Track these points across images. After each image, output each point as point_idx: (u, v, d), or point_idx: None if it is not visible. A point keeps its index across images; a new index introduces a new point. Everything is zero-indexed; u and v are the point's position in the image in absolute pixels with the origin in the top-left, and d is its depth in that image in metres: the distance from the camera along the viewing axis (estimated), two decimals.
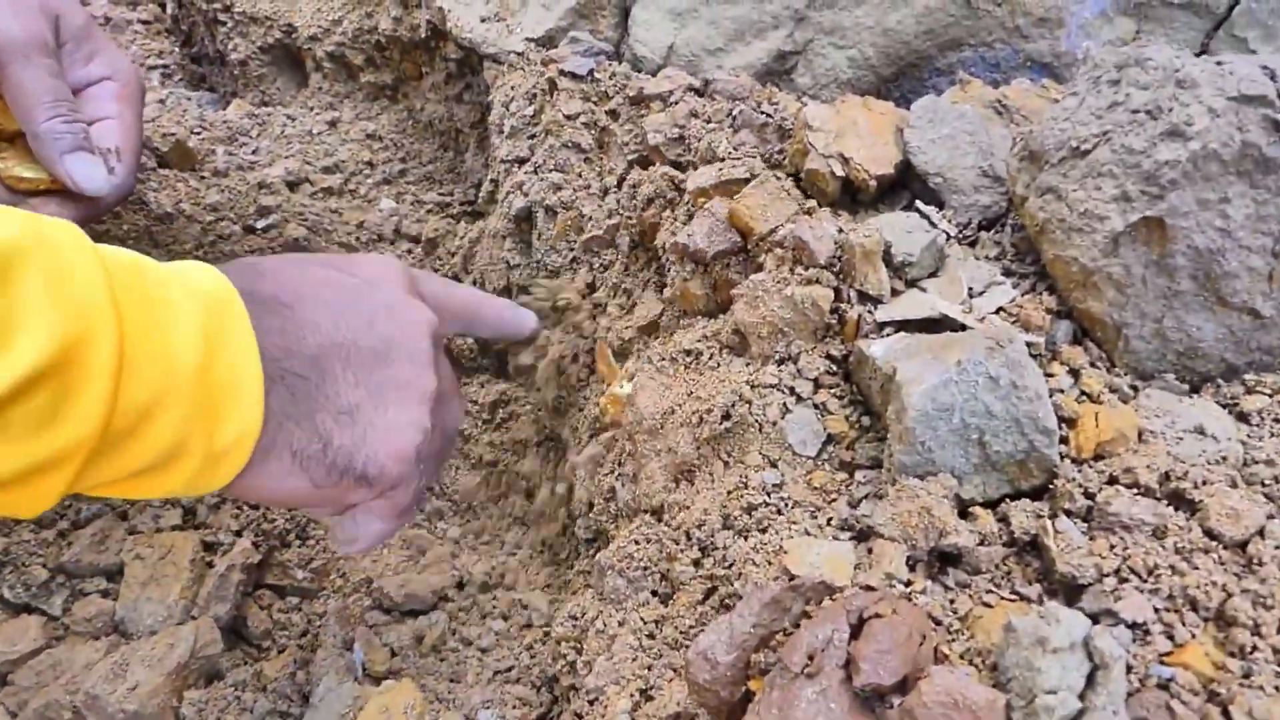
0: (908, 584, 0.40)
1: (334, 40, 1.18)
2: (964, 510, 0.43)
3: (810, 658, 0.34)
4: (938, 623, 0.38)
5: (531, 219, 0.80)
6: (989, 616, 0.38)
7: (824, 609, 0.37)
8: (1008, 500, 0.43)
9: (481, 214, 1.01)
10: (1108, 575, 0.37)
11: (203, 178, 1.05)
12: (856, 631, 0.35)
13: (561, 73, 0.79)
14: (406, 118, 1.18)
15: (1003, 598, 0.39)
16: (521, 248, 0.83)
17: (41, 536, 0.74)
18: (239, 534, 0.76)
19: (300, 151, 1.13)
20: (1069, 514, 0.41)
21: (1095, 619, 0.36)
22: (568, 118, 0.78)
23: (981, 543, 0.41)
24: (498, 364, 0.93)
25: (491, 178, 0.93)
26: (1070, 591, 0.38)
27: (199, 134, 1.11)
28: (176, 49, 1.43)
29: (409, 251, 1.00)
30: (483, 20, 0.93)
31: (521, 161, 0.84)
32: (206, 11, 1.28)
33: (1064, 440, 0.43)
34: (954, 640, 0.37)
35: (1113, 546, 0.38)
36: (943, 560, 0.41)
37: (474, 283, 0.92)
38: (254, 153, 1.12)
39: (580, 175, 0.78)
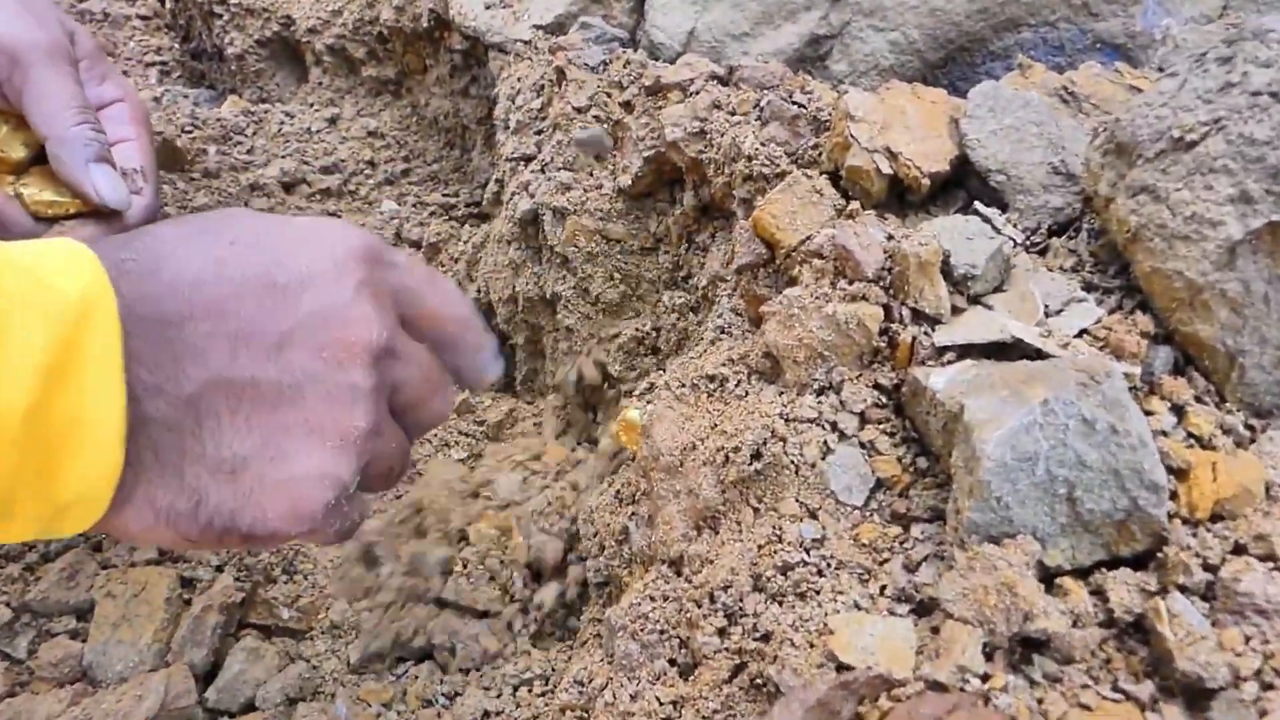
0: (985, 679, 0.32)
1: (334, 32, 1.11)
2: (1048, 580, 0.35)
3: None
4: None
5: (538, 222, 0.73)
6: None
7: (889, 715, 0.30)
8: (1102, 569, 0.35)
9: (487, 216, 0.94)
10: (1246, 679, 0.29)
11: (192, 179, 0.99)
12: None
13: (571, 62, 0.72)
14: (410, 114, 1.11)
15: (1104, 696, 0.31)
16: (529, 254, 0.76)
17: (6, 571, 0.68)
18: (220, 569, 0.69)
19: (298, 151, 1.07)
20: (1184, 590, 0.33)
21: None
22: (577, 110, 0.70)
23: (1075, 624, 0.33)
24: (505, 379, 0.86)
25: (497, 177, 0.86)
26: (1194, 695, 0.31)
27: (190, 133, 1.05)
28: (175, 45, 1.37)
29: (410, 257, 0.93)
30: (487, 7, 0.86)
31: (528, 159, 0.77)
32: (203, 4, 1.22)
33: (1172, 496, 0.35)
34: None
35: (1248, 638, 0.30)
36: (1023, 645, 0.34)
37: (478, 291, 0.85)
38: (248, 152, 1.06)
39: (591, 174, 0.70)
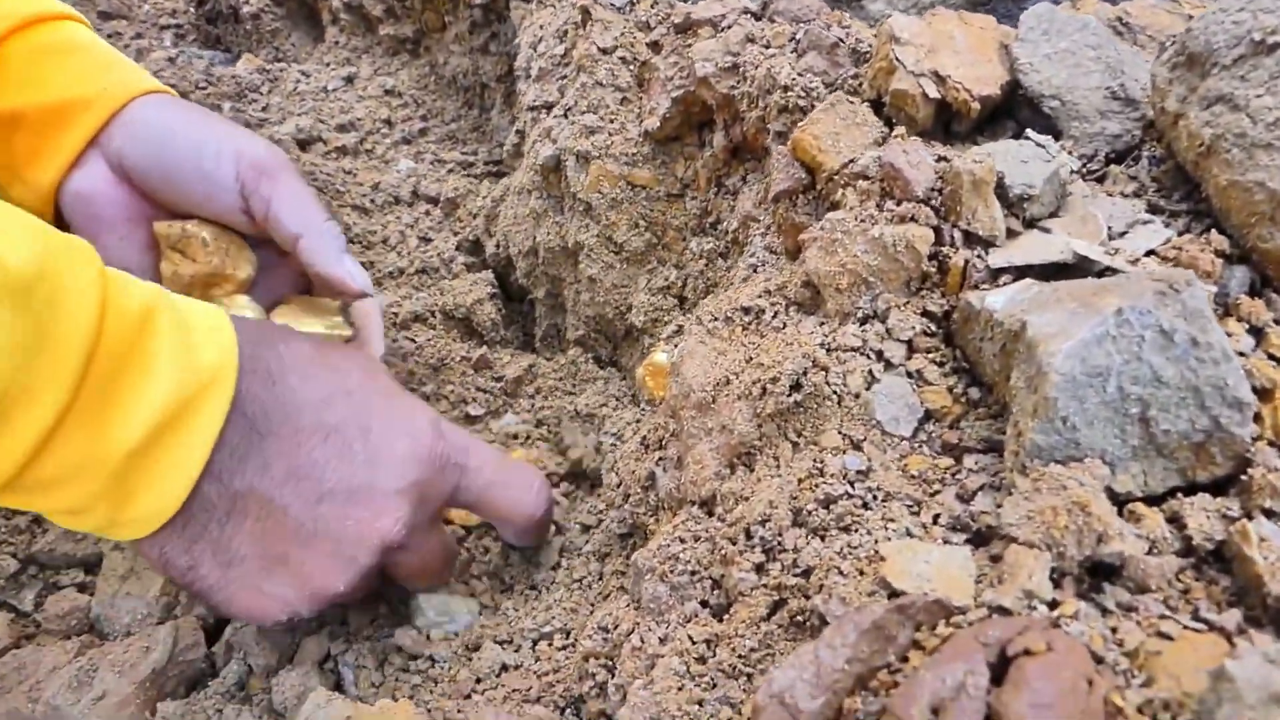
0: (1053, 605, 0.29)
1: None
2: (1118, 506, 0.32)
3: (935, 711, 0.24)
4: (1099, 660, 0.28)
5: (560, 169, 0.70)
6: (1170, 653, 0.28)
7: (948, 641, 0.27)
8: (1177, 495, 0.32)
9: (507, 173, 0.92)
10: None
11: None
12: (999, 675, 0.25)
13: (597, 2, 0.69)
14: (428, 73, 1.09)
15: (1185, 626, 0.29)
16: (551, 202, 0.74)
17: (13, 523, 0.66)
18: None
19: (313, 109, 1.05)
20: (1271, 515, 0.30)
21: None
22: (603, 51, 0.68)
23: (1150, 550, 0.30)
24: (524, 336, 0.83)
25: (517, 129, 0.83)
26: None
27: (203, 89, 1.03)
28: (190, 8, 1.35)
29: (427, 213, 0.91)
30: None
31: (550, 106, 0.74)
32: None
33: (1256, 418, 0.32)
34: (1126, 687, 0.27)
35: None
36: (1093, 573, 0.31)
37: (497, 246, 0.82)
38: (263, 110, 1.04)
39: (616, 118, 0.68)
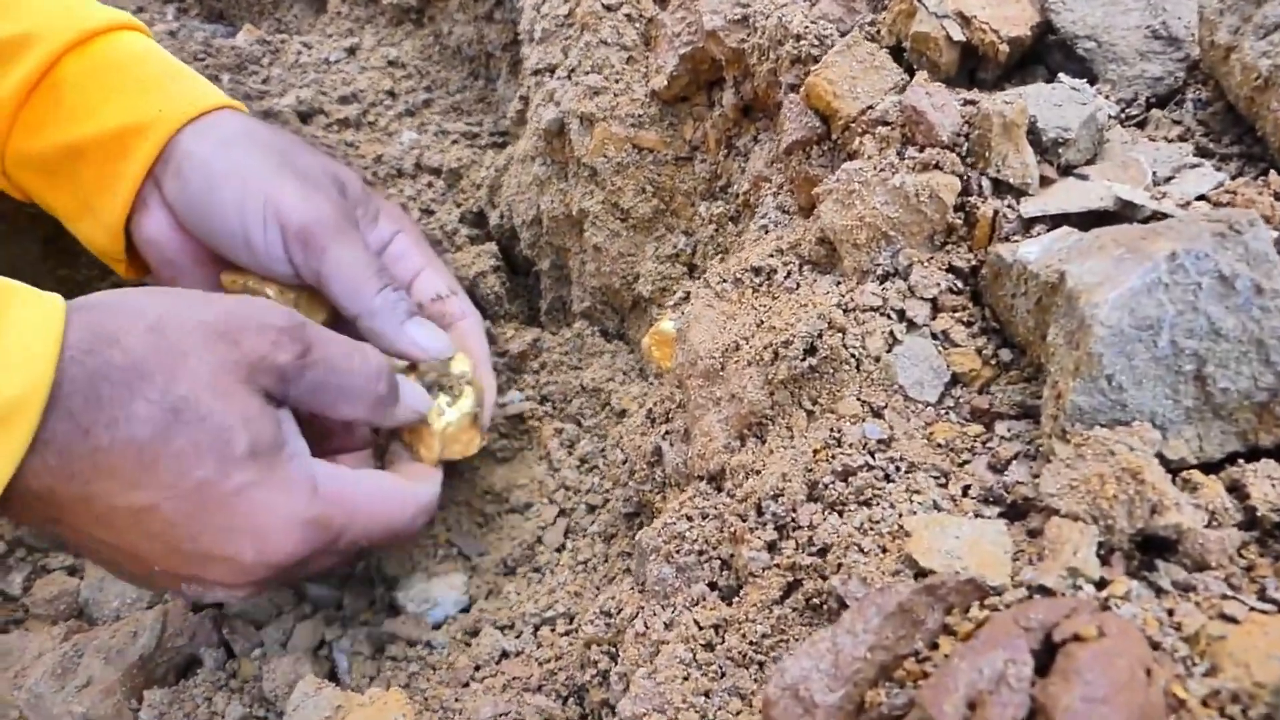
0: (1101, 585, 0.26)
1: None
2: (1171, 476, 0.29)
3: (972, 706, 0.21)
4: (1155, 646, 0.24)
5: (564, 133, 0.67)
6: (1236, 637, 0.24)
7: (984, 626, 0.24)
8: (1237, 462, 0.29)
9: (511, 143, 0.89)
10: None
11: None
12: (1044, 664, 0.22)
13: None
14: (433, 43, 1.06)
15: (1252, 608, 0.25)
16: (554, 169, 0.70)
17: None
18: None
19: (315, 81, 1.02)
20: None
21: None
22: (607, 9, 0.64)
23: (1210, 523, 0.27)
24: (529, 309, 0.80)
25: (521, 95, 0.80)
26: None
27: (202, 60, 1.00)
28: None
29: (429, 185, 0.87)
30: None
31: (553, 69, 0.71)
32: None
33: None
34: (1188, 677, 0.24)
35: None
36: (1144, 548, 0.28)
37: (500, 217, 0.79)
38: (264, 82, 1.01)
39: (621, 78, 0.64)
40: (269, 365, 0.44)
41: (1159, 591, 0.26)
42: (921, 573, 0.28)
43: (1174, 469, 0.29)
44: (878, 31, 0.48)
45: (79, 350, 0.39)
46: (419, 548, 0.61)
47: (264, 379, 0.44)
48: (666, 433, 0.48)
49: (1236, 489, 0.28)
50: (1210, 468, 0.29)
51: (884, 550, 0.30)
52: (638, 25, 0.64)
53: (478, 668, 0.50)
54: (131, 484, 0.40)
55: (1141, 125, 0.42)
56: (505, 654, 0.50)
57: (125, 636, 0.56)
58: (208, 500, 0.42)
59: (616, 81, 0.64)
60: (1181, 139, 0.39)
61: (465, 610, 0.56)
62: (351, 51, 1.06)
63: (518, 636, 0.52)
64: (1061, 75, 0.43)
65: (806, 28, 0.49)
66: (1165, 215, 0.32)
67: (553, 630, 0.51)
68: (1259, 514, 0.27)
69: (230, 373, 0.43)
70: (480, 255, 0.78)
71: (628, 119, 0.64)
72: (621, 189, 0.65)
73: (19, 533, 0.63)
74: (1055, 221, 0.35)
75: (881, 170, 0.39)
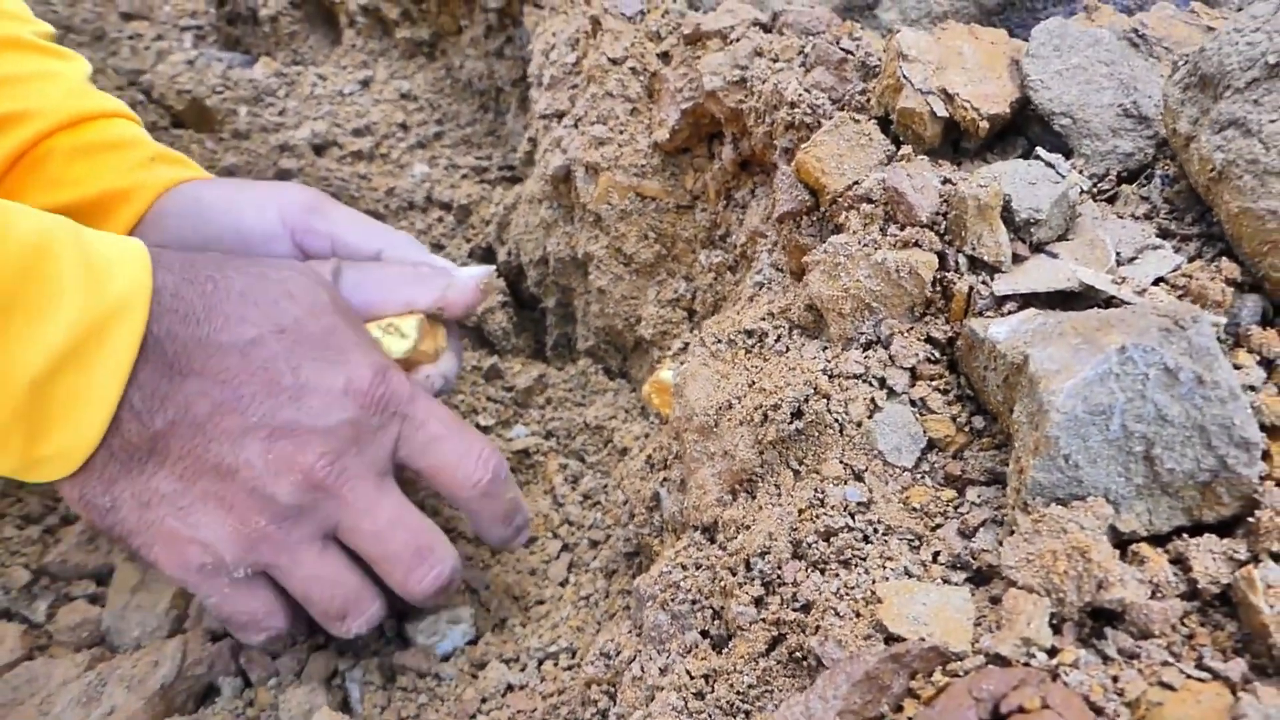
0: (1053, 653, 0.29)
1: None
2: (1121, 547, 0.32)
3: None
4: (1099, 711, 0.27)
5: (570, 179, 0.70)
6: (1172, 704, 0.27)
7: (942, 693, 0.26)
8: (1183, 535, 0.32)
9: (521, 179, 0.92)
10: None
11: (221, 139, 0.97)
12: None
13: (607, 11, 0.69)
14: (444, 76, 1.09)
15: (1189, 675, 0.28)
16: (561, 212, 0.73)
17: (26, 534, 0.67)
18: None
19: (329, 113, 1.05)
20: (1278, 559, 0.29)
21: None
22: (613, 62, 0.67)
23: (1154, 595, 0.30)
24: (535, 344, 0.83)
25: (530, 136, 0.83)
26: None
27: (220, 93, 1.03)
28: (210, 9, 1.36)
29: (440, 220, 0.90)
30: None
31: (561, 115, 0.74)
32: None
33: (1265, 456, 0.31)
34: None
35: None
36: (1095, 617, 0.31)
37: (508, 254, 0.82)
38: (280, 114, 1.04)
39: (626, 129, 0.67)
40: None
41: (1105, 659, 0.29)
42: (891, 637, 0.31)
43: (1125, 541, 0.32)
44: (867, 101, 0.51)
45: (167, 254, 0.44)
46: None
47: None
48: (664, 480, 0.51)
49: (1180, 561, 0.31)
50: (1159, 540, 0.32)
51: (858, 615, 0.32)
52: (641, 79, 0.67)
53: (484, 700, 0.53)
54: (238, 319, 0.44)
55: (1112, 200, 0.44)
56: (510, 687, 0.53)
57: (147, 666, 0.58)
58: (303, 335, 0.46)
59: (621, 132, 0.67)
60: (1147, 217, 0.42)
61: (473, 642, 0.59)
62: (365, 84, 1.10)
63: (522, 670, 0.54)
64: (1039, 149, 0.46)
65: (800, 95, 0.52)
66: (1123, 301, 0.35)
67: (556, 665, 0.54)
68: (1200, 585, 0.30)
69: (306, 273, 0.49)
70: (489, 290, 0.81)
71: (631, 168, 0.66)
72: (625, 235, 0.67)
73: (44, 561, 0.66)
74: (1025, 300, 0.38)
75: (865, 245, 0.41)
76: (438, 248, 0.87)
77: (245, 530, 0.45)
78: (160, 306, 0.42)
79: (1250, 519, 0.31)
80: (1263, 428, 0.32)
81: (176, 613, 0.63)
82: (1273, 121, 0.35)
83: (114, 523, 0.45)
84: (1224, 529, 0.31)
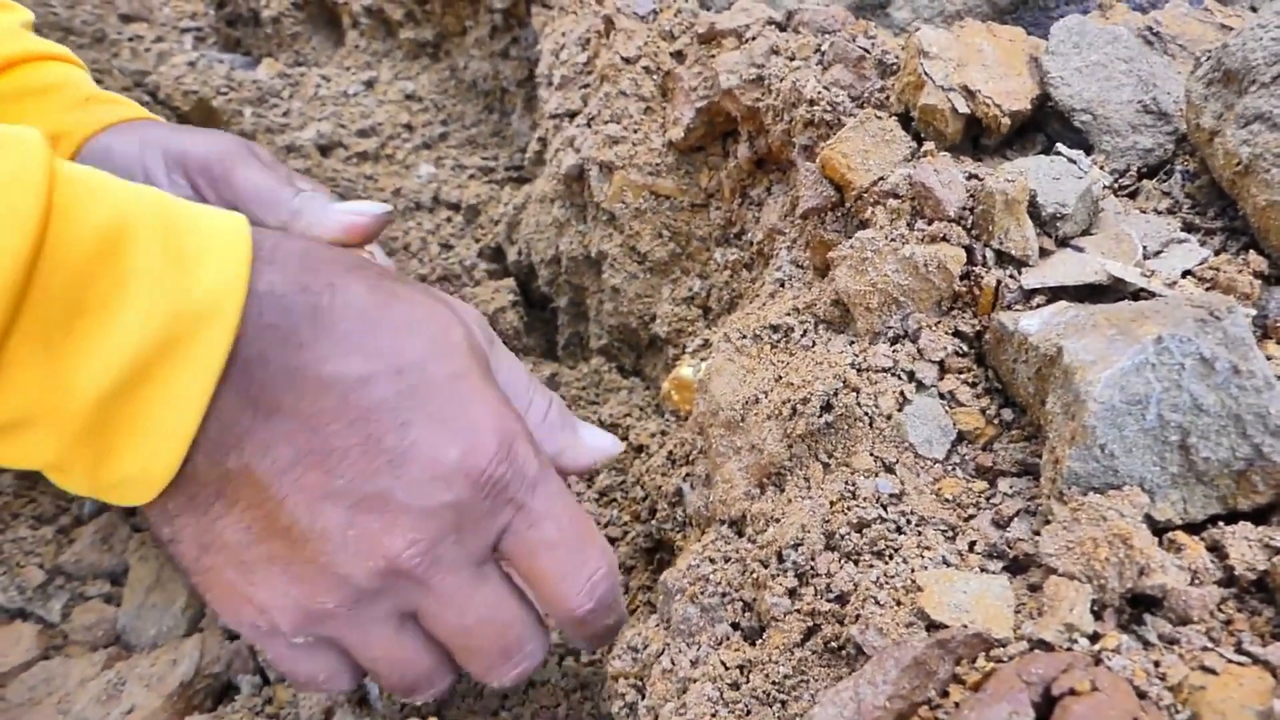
0: (1095, 638, 0.29)
1: None
2: (1157, 535, 0.32)
3: None
4: (1143, 695, 0.27)
5: (584, 178, 0.70)
6: (1215, 688, 0.27)
7: (990, 678, 0.27)
8: (1218, 524, 0.32)
9: (528, 179, 0.92)
10: None
11: None
12: (1045, 714, 0.25)
13: (620, 10, 0.69)
14: (449, 77, 1.09)
15: (1229, 660, 0.28)
16: (574, 211, 0.73)
17: (40, 533, 0.67)
18: None
19: (334, 114, 1.05)
20: None
21: None
22: (626, 61, 0.68)
23: (1193, 581, 0.30)
24: (546, 343, 0.83)
25: (539, 136, 0.83)
26: None
27: (225, 95, 1.03)
28: (210, 10, 1.36)
29: (448, 220, 0.91)
30: None
31: (573, 115, 0.74)
32: None
33: None
34: None
35: None
36: (1133, 604, 0.31)
37: (519, 253, 0.82)
38: (284, 115, 1.04)
39: (640, 128, 0.68)
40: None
41: (1146, 644, 0.29)
42: (933, 625, 0.31)
43: (1161, 529, 0.32)
44: (887, 98, 0.52)
45: (281, 249, 0.38)
46: None
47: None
48: (687, 475, 0.51)
49: (1217, 549, 0.31)
50: (1194, 528, 0.32)
51: (898, 603, 0.33)
52: (655, 77, 0.68)
53: (506, 697, 0.53)
54: (350, 348, 0.37)
55: (1133, 195, 0.45)
56: (533, 683, 0.53)
57: (165, 664, 0.58)
58: (423, 381, 0.38)
59: (635, 131, 0.68)
60: (1170, 211, 0.42)
61: None
62: (369, 85, 1.10)
63: (544, 666, 0.55)
64: (1060, 146, 0.46)
65: (819, 93, 0.52)
66: (1153, 294, 0.36)
67: (577, 661, 0.54)
68: (1236, 573, 0.30)
69: (445, 303, 0.42)
70: (499, 291, 0.81)
71: (645, 167, 0.67)
72: (639, 233, 0.68)
73: (59, 560, 0.66)
74: (1053, 294, 0.38)
75: (892, 240, 0.42)
76: (447, 248, 0.88)
77: (309, 606, 0.38)
78: (260, 318, 0.35)
79: None
80: None
81: (193, 612, 0.63)
82: None
83: (175, 554, 0.39)
84: (1259, 517, 0.32)
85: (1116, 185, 0.45)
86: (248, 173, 0.51)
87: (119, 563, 0.66)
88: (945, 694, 0.28)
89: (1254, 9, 0.57)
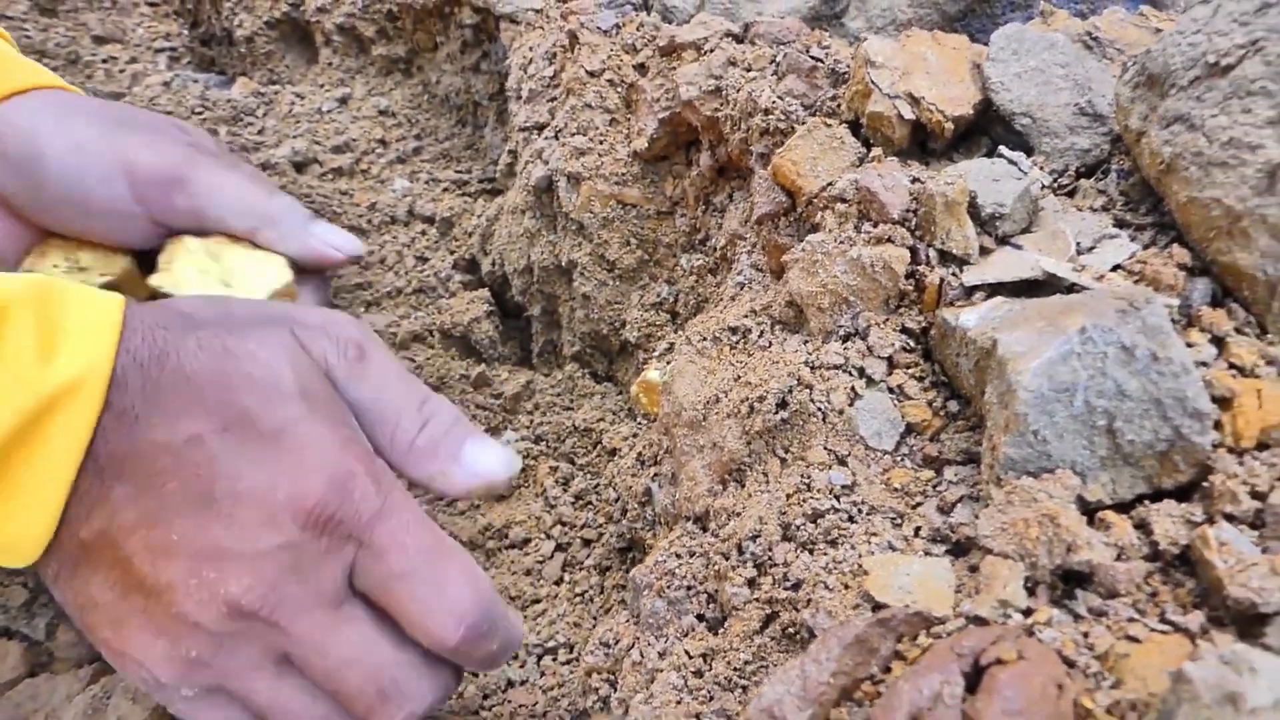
0: (1028, 613, 0.31)
1: (343, 11, 1.10)
2: (1089, 515, 0.34)
3: (914, 719, 0.26)
4: (1071, 664, 0.29)
5: (553, 189, 0.72)
6: (1138, 655, 0.29)
7: (927, 652, 0.29)
8: (1145, 502, 0.34)
9: (501, 191, 0.93)
10: None
11: None
12: (974, 684, 0.27)
13: (583, 26, 0.71)
14: (421, 92, 1.11)
15: (1152, 629, 0.30)
16: (544, 222, 0.75)
17: None
18: None
19: (309, 131, 1.06)
20: (1231, 519, 0.32)
21: None
22: (590, 74, 0.69)
23: (1119, 556, 0.32)
24: (522, 351, 0.85)
25: (510, 149, 0.85)
26: (1245, 622, 0.29)
27: (200, 114, 1.04)
28: (184, 30, 1.37)
29: (423, 233, 0.92)
30: None
31: (541, 127, 0.76)
32: None
33: (1216, 425, 0.34)
34: (1096, 690, 0.28)
35: None
36: (1066, 579, 0.33)
37: (492, 264, 0.84)
38: (259, 133, 1.05)
39: (605, 139, 0.69)
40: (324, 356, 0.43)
41: (1077, 617, 0.31)
42: (878, 606, 0.33)
43: (1093, 509, 0.34)
44: (838, 106, 0.54)
45: (139, 322, 0.39)
46: None
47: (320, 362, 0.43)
48: (655, 475, 0.53)
49: (1143, 526, 0.33)
50: (1123, 508, 0.34)
51: (846, 587, 0.35)
52: (619, 89, 0.69)
53: (486, 696, 0.54)
54: (178, 413, 0.38)
55: (1072, 194, 0.47)
56: (511, 683, 0.55)
57: None
58: (251, 432, 0.39)
59: (601, 142, 0.69)
60: (1105, 209, 0.45)
61: None
62: (343, 101, 1.11)
63: (522, 666, 0.56)
64: (1002, 148, 0.48)
65: (774, 103, 0.54)
66: (1083, 288, 0.37)
67: (555, 660, 0.55)
68: (1161, 548, 0.32)
69: (285, 341, 0.42)
70: (474, 301, 0.82)
71: (612, 177, 0.69)
72: (608, 241, 0.69)
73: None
74: (993, 290, 0.40)
75: (841, 242, 0.44)
76: (422, 260, 0.89)
77: (178, 655, 0.39)
78: (108, 405, 0.37)
79: (1205, 484, 0.33)
80: (1214, 399, 0.34)
81: None
82: (1213, 116, 0.37)
83: (68, 613, 0.41)
84: (1181, 494, 0.34)
85: (1056, 185, 0.47)
86: (210, 177, 0.51)
87: None
88: (888, 669, 0.30)
89: (1187, 10, 0.59)
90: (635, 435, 0.65)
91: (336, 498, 0.39)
